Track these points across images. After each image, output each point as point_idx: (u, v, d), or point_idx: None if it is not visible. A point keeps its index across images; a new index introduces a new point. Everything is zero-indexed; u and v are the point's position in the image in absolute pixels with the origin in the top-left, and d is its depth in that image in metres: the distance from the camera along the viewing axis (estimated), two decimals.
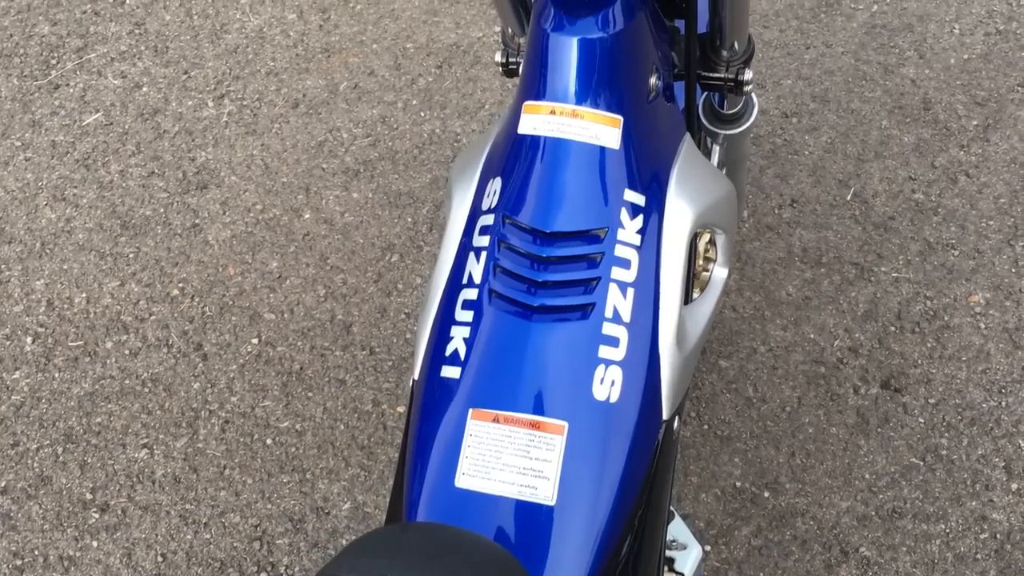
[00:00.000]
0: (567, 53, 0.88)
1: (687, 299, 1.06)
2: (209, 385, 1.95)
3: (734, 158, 1.41)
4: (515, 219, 0.90)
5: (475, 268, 0.92)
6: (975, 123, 2.17)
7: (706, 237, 1.10)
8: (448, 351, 0.90)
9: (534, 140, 0.91)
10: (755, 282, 1.99)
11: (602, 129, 0.90)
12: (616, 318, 0.88)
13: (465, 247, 0.94)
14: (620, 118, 0.90)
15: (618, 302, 0.88)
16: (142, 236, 2.19)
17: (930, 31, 2.34)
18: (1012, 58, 2.27)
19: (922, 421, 1.78)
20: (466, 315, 0.90)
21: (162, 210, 2.23)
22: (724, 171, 1.44)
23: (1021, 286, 1.93)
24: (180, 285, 2.11)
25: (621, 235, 0.90)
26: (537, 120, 0.90)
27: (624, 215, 0.90)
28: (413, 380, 0.94)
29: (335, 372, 1.95)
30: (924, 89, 2.24)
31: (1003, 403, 1.79)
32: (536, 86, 0.91)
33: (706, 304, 1.03)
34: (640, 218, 0.91)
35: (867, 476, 1.73)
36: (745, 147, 1.41)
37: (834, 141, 2.18)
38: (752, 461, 1.76)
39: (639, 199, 0.91)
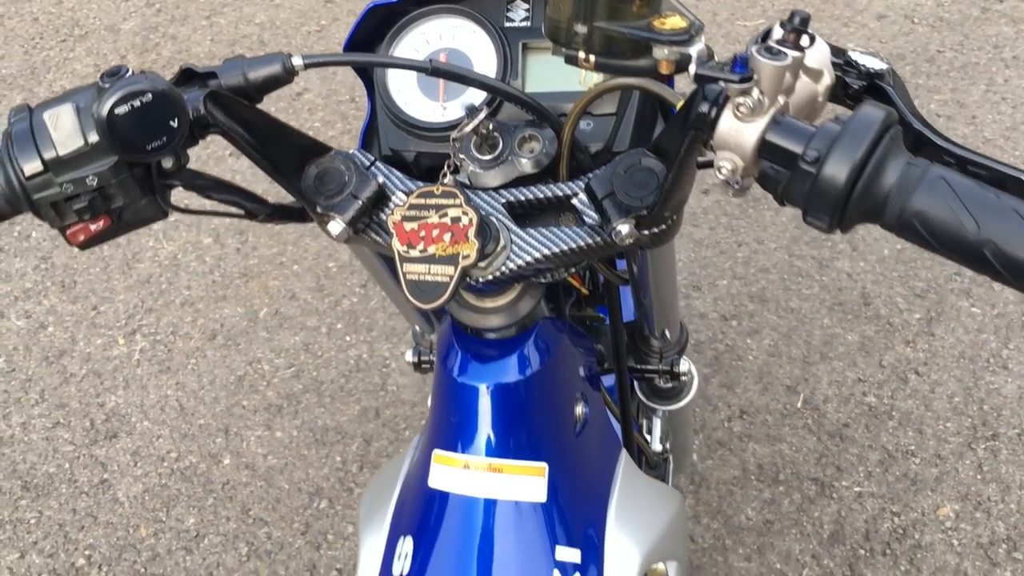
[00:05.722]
0: (479, 402, 0.77)
1: None
2: None
3: (677, 424, 1.31)
4: None
5: None
6: (917, 316, 2.11)
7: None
8: None
9: (446, 498, 0.78)
10: (712, 507, 1.86)
11: (524, 482, 0.77)
12: None
13: None
14: (544, 465, 0.78)
15: None
16: (45, 497, 2.00)
17: None
18: None
19: None
20: None
21: (67, 465, 2.05)
22: (668, 441, 1.33)
23: (989, 494, 1.82)
24: (87, 553, 1.91)
25: None
26: (449, 474, 0.78)
27: None
28: None
29: None
30: (862, 283, 2.19)
31: None
32: (446, 434, 0.79)
33: None
34: None
35: None
36: (688, 413, 1.30)
37: (777, 344, 2.10)
38: None
39: (574, 556, 0.78)
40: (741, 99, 0.57)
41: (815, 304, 2.16)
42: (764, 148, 0.58)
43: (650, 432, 1.25)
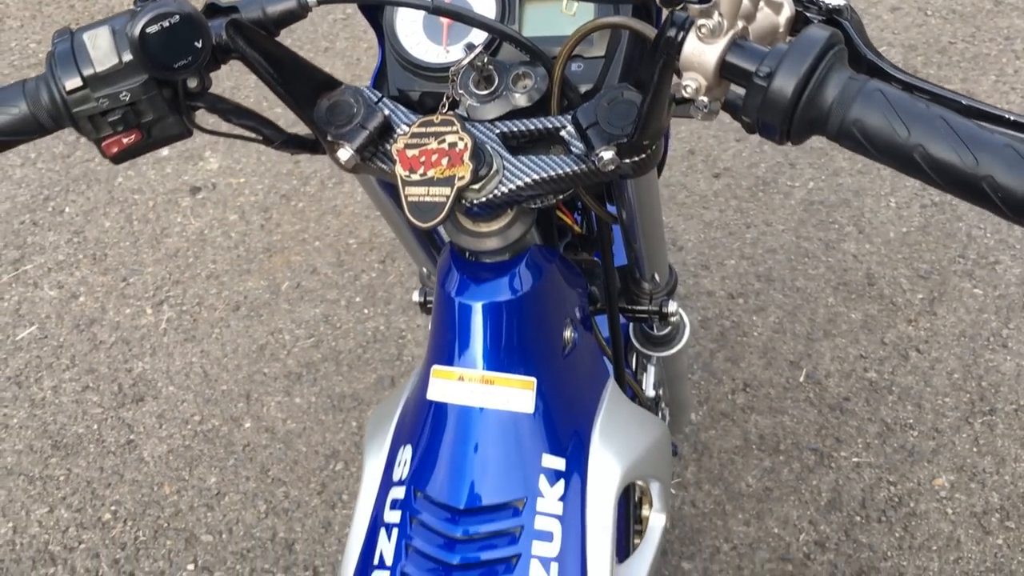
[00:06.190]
0: (473, 318, 0.84)
1: (626, 553, 0.99)
2: None
3: (672, 374, 1.37)
4: (427, 493, 0.84)
5: (386, 547, 0.84)
6: (920, 297, 2.16)
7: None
8: None
9: (443, 407, 0.85)
10: (713, 474, 1.92)
11: (514, 393, 0.84)
12: None
13: (376, 522, 0.87)
14: (533, 380, 0.85)
15: None
16: (74, 456, 2.09)
17: (867, 205, 2.36)
18: (950, 229, 2.28)
19: None
20: None
21: (96, 427, 2.14)
22: (662, 390, 1.39)
23: (984, 466, 1.87)
24: (112, 508, 2.00)
25: (541, 505, 0.83)
26: (446, 386, 0.85)
27: (543, 483, 0.84)
28: None
29: None
30: (867, 264, 2.24)
31: None
32: (444, 350, 0.86)
33: (642, 560, 0.95)
34: (561, 484, 0.84)
35: None
36: (682, 363, 1.36)
37: (782, 321, 2.15)
38: None
39: (559, 463, 0.85)
40: (703, 21, 0.63)
41: (820, 284, 2.21)
42: (724, 68, 0.64)
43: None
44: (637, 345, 1.25)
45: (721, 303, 2.20)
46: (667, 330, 1.22)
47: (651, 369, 1.30)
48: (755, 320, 2.16)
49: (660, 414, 1.42)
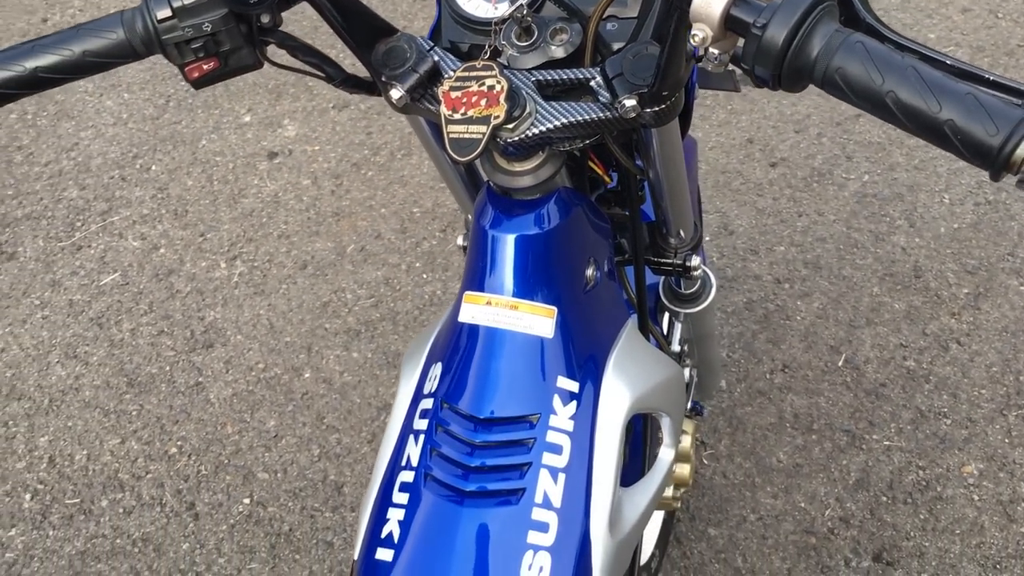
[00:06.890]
0: (503, 249, 0.93)
1: (635, 478, 1.07)
2: (198, 546, 1.96)
3: (701, 333, 1.45)
4: (452, 404, 0.93)
5: (413, 451, 0.94)
6: (966, 291, 2.19)
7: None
8: (384, 533, 0.91)
9: (472, 329, 0.94)
10: (746, 448, 1.98)
11: (536, 320, 0.93)
12: (546, 503, 0.89)
13: (406, 429, 0.97)
14: (554, 309, 0.94)
15: (548, 487, 0.90)
16: (146, 394, 2.24)
17: (920, 201, 2.39)
18: (1002, 227, 2.30)
19: None
20: (402, 497, 0.92)
21: (168, 368, 2.29)
22: (687, 347, 1.46)
23: (1015, 457, 1.90)
24: (179, 443, 2.14)
25: (553, 421, 0.92)
26: (475, 310, 0.95)
27: (557, 401, 0.93)
28: (353, 560, 0.95)
29: (323, 534, 1.95)
30: (915, 257, 2.27)
31: None
32: (476, 277, 0.95)
33: (647, 487, 1.03)
34: (573, 404, 0.93)
35: None
36: (710, 323, 1.44)
37: (826, 307, 2.20)
38: None
39: (573, 386, 0.94)
40: None
41: (867, 273, 2.26)
42: (728, 20, 0.73)
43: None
44: (665, 302, 1.33)
45: (767, 287, 2.26)
46: (694, 287, 1.30)
47: (678, 325, 1.38)
48: (799, 305, 2.22)
49: (687, 374, 1.49)
